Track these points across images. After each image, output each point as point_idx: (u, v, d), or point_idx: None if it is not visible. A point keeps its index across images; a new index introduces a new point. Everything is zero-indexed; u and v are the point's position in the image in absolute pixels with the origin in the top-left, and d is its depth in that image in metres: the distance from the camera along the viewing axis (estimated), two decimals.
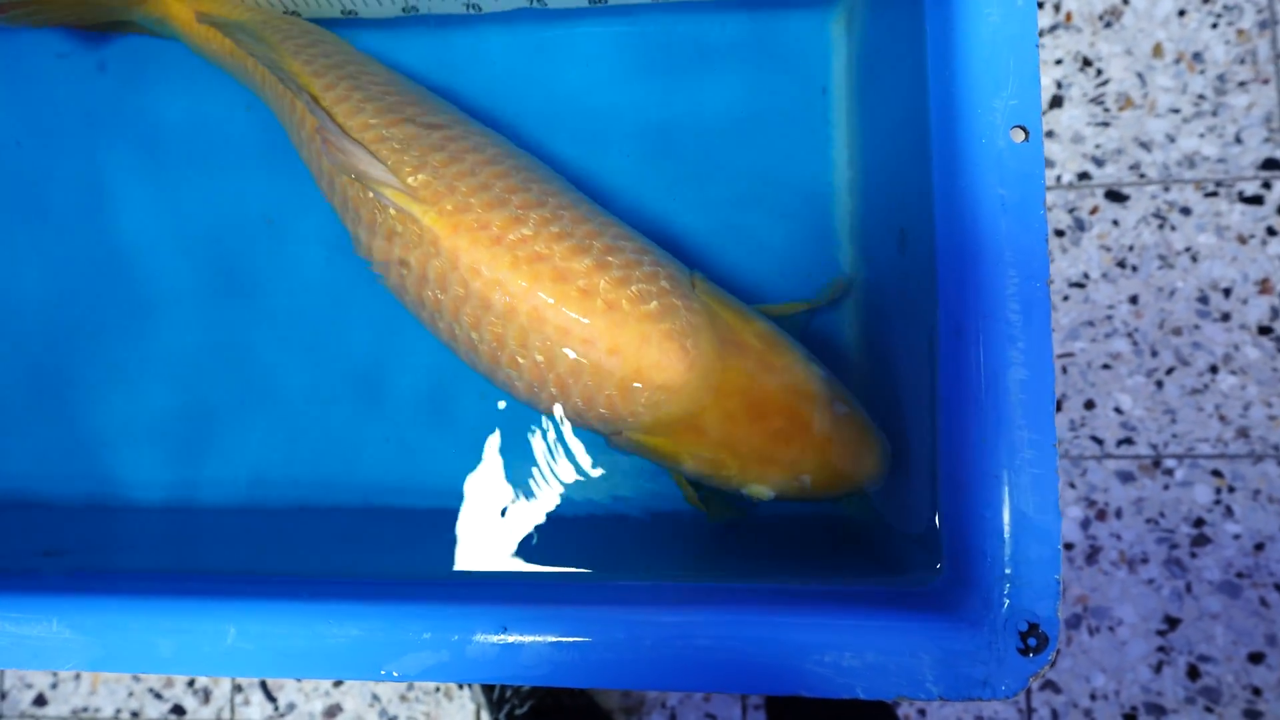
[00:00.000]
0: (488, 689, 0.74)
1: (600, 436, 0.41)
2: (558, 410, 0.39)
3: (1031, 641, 0.29)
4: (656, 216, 0.50)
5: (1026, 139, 0.32)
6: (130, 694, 0.83)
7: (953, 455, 0.32)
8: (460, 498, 0.44)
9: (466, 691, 0.79)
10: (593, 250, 0.38)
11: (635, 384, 0.37)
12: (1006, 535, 0.30)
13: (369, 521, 0.45)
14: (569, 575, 0.38)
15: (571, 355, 0.37)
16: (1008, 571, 0.30)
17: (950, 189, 0.33)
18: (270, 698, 0.81)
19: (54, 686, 0.84)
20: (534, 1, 0.52)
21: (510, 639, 0.32)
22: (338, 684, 0.81)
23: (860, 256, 0.48)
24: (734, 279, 0.50)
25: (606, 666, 0.31)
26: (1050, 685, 0.77)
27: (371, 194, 0.39)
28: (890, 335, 0.43)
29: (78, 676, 0.84)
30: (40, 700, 0.84)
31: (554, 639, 0.31)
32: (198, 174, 0.52)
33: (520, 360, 0.38)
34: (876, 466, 0.38)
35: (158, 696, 0.83)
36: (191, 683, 0.83)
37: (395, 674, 0.32)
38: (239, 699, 0.82)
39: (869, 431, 0.39)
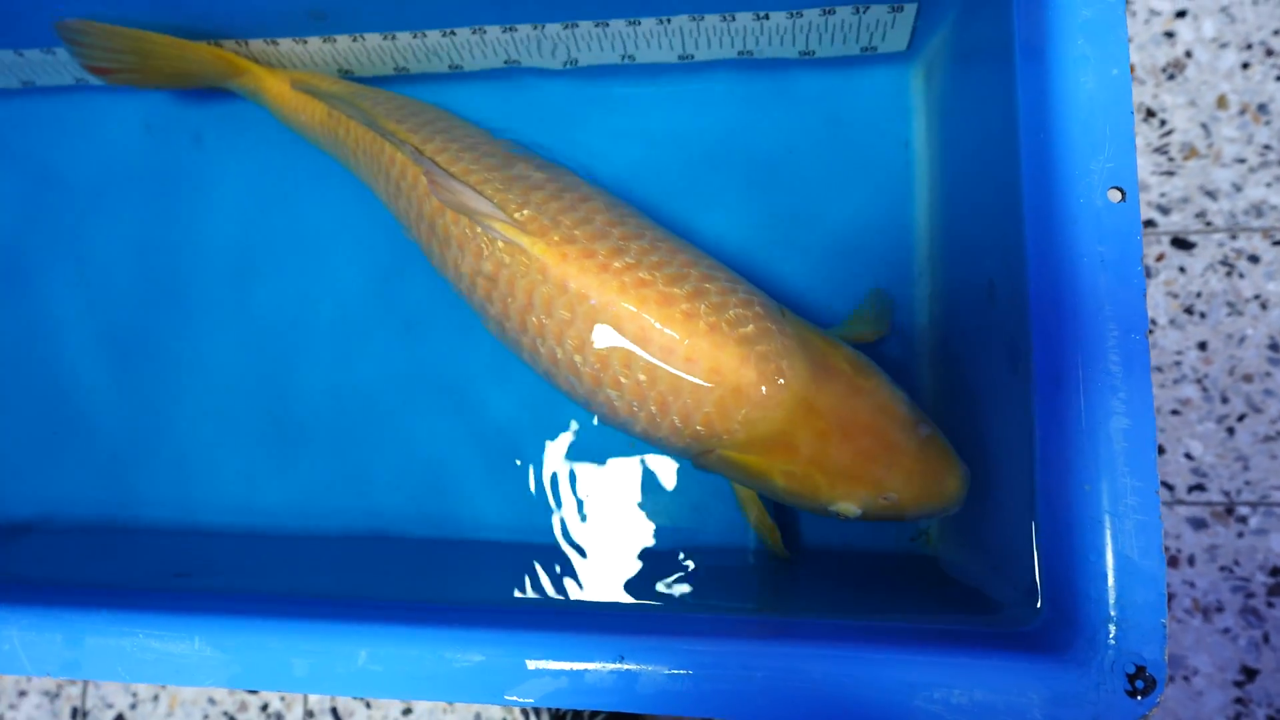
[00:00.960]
0: (557, 714, 0.75)
1: (688, 463, 0.43)
2: (655, 428, 0.41)
3: (1139, 684, 0.30)
4: (740, 264, 0.53)
5: (1123, 199, 0.33)
6: (205, 716, 0.85)
7: (1053, 499, 0.34)
8: (551, 532, 0.46)
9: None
10: (691, 278, 0.41)
11: (733, 402, 0.39)
12: (1111, 579, 0.31)
13: (471, 553, 0.47)
14: (676, 607, 0.40)
15: (674, 374, 0.39)
16: (1113, 614, 0.31)
17: (1046, 244, 0.35)
18: None
19: (133, 707, 0.87)
20: (624, 58, 0.56)
21: (626, 667, 0.33)
22: (407, 712, 0.82)
23: (943, 305, 0.49)
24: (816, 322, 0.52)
25: (718, 697, 0.33)
26: None
27: (479, 230, 0.41)
28: (975, 380, 0.44)
29: (156, 698, 0.87)
30: None
31: (668, 669, 0.33)
32: (267, 220, 0.56)
33: (623, 380, 0.40)
34: (957, 487, 0.40)
35: (231, 719, 0.85)
36: (265, 706, 0.85)
37: (517, 699, 0.33)
38: None
39: (950, 454, 0.40)
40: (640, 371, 0.40)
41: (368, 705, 0.83)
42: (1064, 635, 0.32)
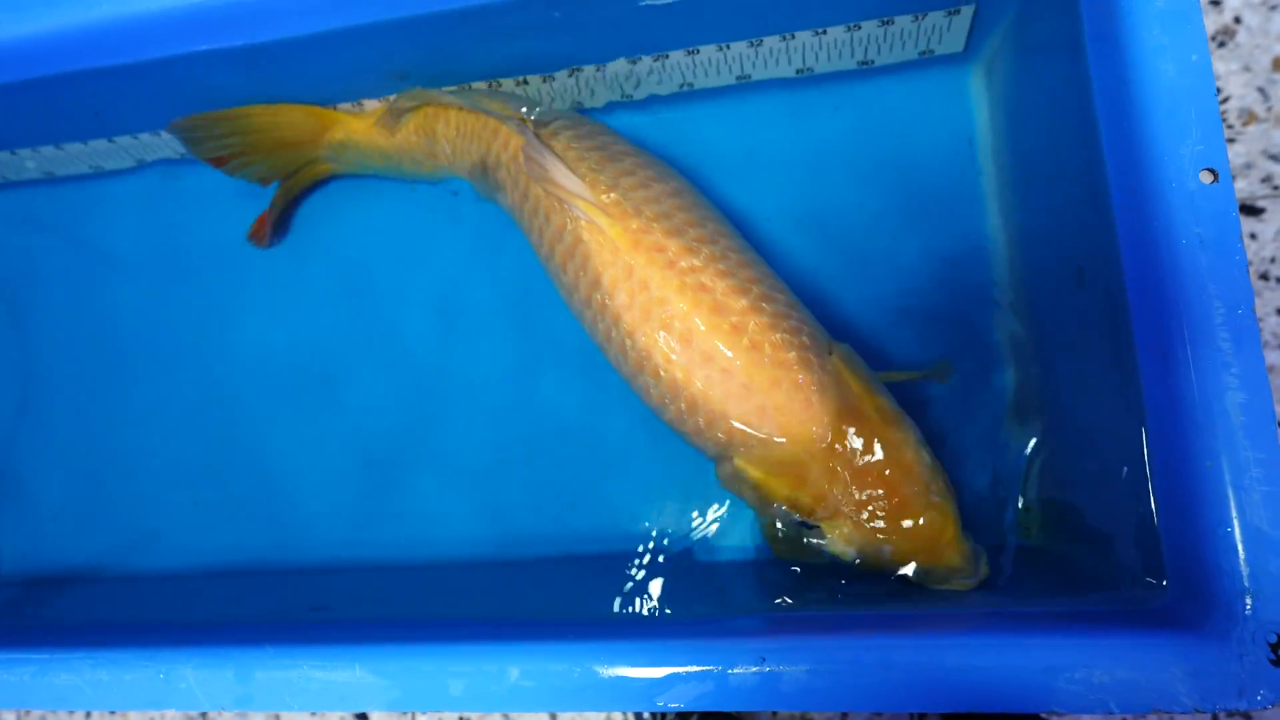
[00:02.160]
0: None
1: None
2: (680, 423, 0.43)
3: None
4: (808, 275, 0.54)
5: (1216, 180, 0.34)
6: None
7: (1172, 478, 0.34)
8: (678, 544, 0.48)
9: None
10: (750, 294, 0.42)
11: (757, 419, 0.41)
12: (1241, 551, 0.32)
13: (604, 568, 0.49)
14: (809, 608, 0.41)
15: (708, 379, 0.41)
16: (1247, 585, 0.32)
17: (1140, 229, 0.36)
18: None
19: None
20: (683, 86, 0.58)
21: (769, 669, 0.35)
22: None
23: (1025, 294, 0.50)
24: (886, 322, 0.53)
25: (860, 692, 0.34)
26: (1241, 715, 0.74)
27: (565, 204, 0.44)
28: (1069, 365, 0.45)
29: None
30: None
31: (809, 667, 0.34)
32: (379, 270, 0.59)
33: (662, 372, 0.42)
34: (957, 560, 0.40)
35: None
36: None
37: (667, 704, 0.35)
38: None
39: (954, 525, 0.41)
40: (679, 369, 0.42)
41: None
42: (1197, 610, 0.33)
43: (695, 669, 0.35)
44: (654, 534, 0.49)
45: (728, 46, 0.53)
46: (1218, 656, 0.31)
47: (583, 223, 0.44)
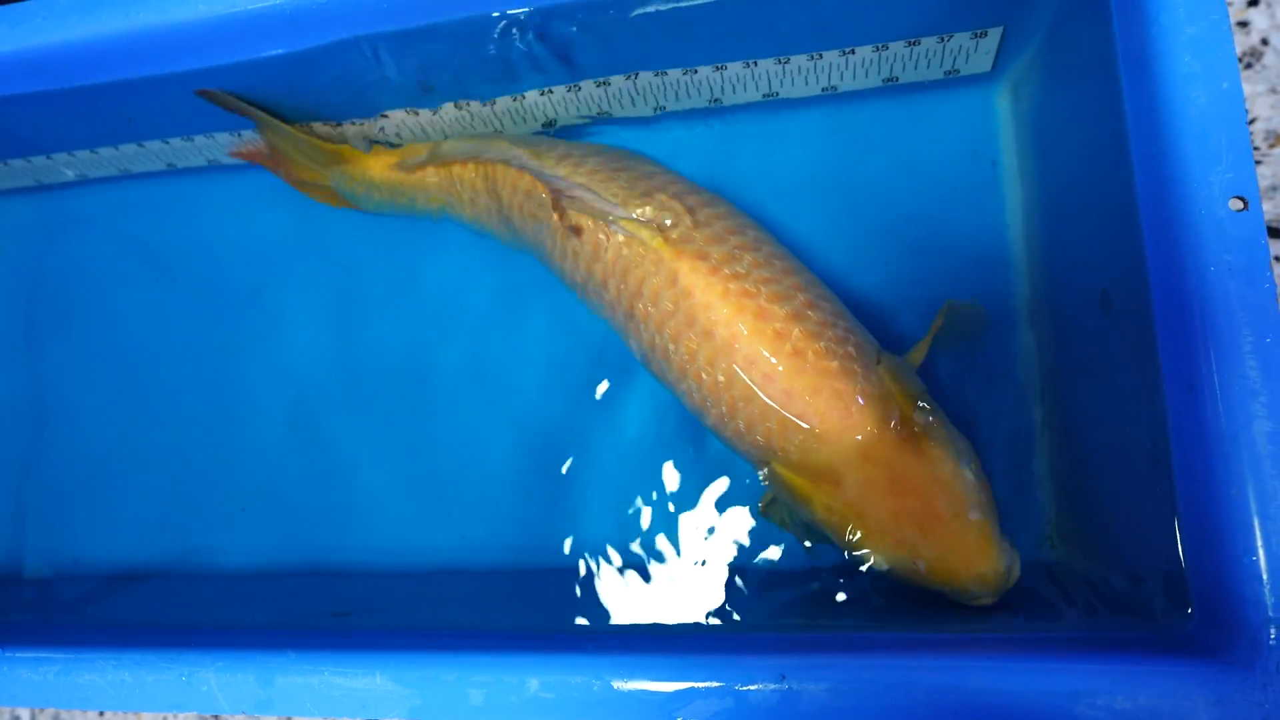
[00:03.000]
0: None
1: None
2: (722, 427, 0.44)
3: None
4: (838, 286, 0.54)
5: (1246, 208, 0.34)
6: None
7: (1196, 506, 0.34)
8: (702, 559, 0.48)
9: None
10: (795, 301, 0.43)
11: (796, 426, 0.41)
12: (1266, 580, 0.32)
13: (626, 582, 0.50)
14: (831, 627, 0.41)
15: (750, 384, 0.42)
16: (1272, 615, 0.32)
17: (1169, 254, 0.36)
18: None
19: None
20: (712, 102, 0.58)
21: (788, 686, 0.35)
22: None
23: (1049, 319, 0.50)
24: (908, 343, 0.53)
25: (882, 712, 0.34)
26: None
27: (602, 222, 0.45)
28: (1093, 391, 0.45)
29: None
30: None
31: (830, 686, 0.34)
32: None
33: (704, 376, 0.43)
34: (992, 579, 0.39)
35: None
36: None
37: (686, 719, 0.35)
38: None
39: (993, 545, 0.40)
40: (721, 373, 0.42)
41: None
42: (1222, 638, 0.32)
43: (714, 685, 0.35)
44: (678, 546, 0.50)
45: (755, 64, 0.54)
46: (1241, 685, 0.31)
47: (621, 238, 0.44)
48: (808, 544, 0.47)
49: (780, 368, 0.41)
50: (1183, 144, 0.35)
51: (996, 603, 0.41)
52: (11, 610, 0.60)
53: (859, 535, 0.41)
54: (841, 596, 0.44)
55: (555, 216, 0.47)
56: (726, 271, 0.43)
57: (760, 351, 0.41)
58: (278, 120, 0.56)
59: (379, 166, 0.57)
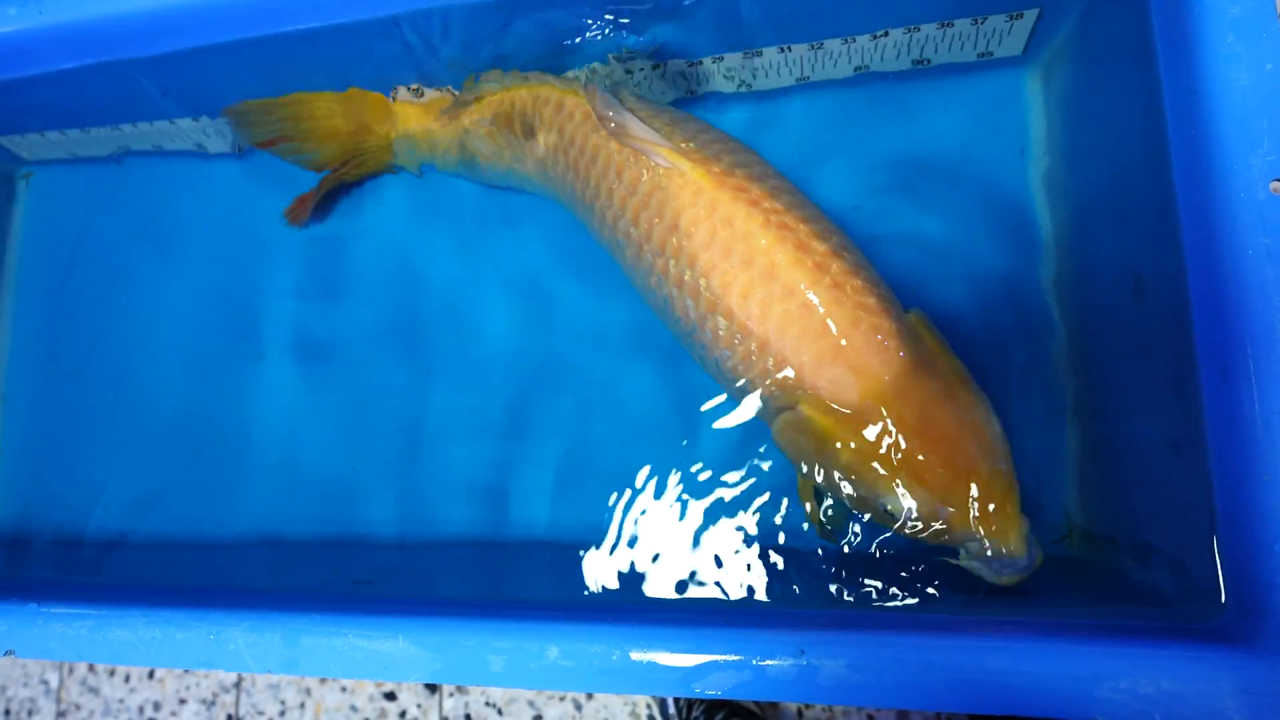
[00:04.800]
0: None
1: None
2: (746, 367, 0.42)
3: None
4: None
5: None
6: None
7: (1230, 491, 0.34)
8: (724, 536, 0.48)
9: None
10: (831, 241, 0.42)
11: (831, 358, 0.40)
12: None
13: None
14: (850, 605, 0.41)
15: (787, 313, 0.41)
16: None
17: (1205, 239, 0.35)
18: None
19: (282, 715, 0.93)
20: (740, 86, 0.58)
21: (806, 661, 0.35)
22: (537, 718, 0.86)
23: (1077, 305, 0.49)
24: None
25: (899, 689, 0.34)
26: None
27: (640, 158, 0.44)
28: (1123, 378, 0.45)
29: (302, 705, 0.92)
30: None
31: (848, 662, 0.34)
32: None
33: (737, 310, 0.42)
34: (1015, 538, 0.37)
35: None
36: (403, 713, 0.90)
37: (703, 690, 0.35)
38: None
39: (1016, 504, 0.38)
40: (756, 304, 0.41)
41: (499, 712, 0.87)
42: (1252, 626, 0.32)
43: (733, 658, 0.35)
44: (699, 522, 0.50)
45: (789, 49, 0.54)
46: (1270, 674, 0.31)
47: (661, 170, 0.43)
48: (829, 528, 0.46)
49: (820, 298, 0.40)
50: (1222, 126, 0.35)
51: (1017, 587, 0.41)
52: (45, 569, 0.62)
53: (884, 480, 0.39)
54: (862, 580, 0.44)
55: (594, 149, 0.46)
56: (768, 205, 0.42)
57: (799, 282, 0.40)
58: (304, 95, 0.56)
59: (421, 113, 0.56)
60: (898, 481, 0.39)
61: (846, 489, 0.41)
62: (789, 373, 0.41)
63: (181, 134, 0.64)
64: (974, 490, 0.38)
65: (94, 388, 0.65)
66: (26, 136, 0.64)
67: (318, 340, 0.61)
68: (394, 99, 0.58)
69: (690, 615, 0.37)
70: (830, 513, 0.46)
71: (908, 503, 0.38)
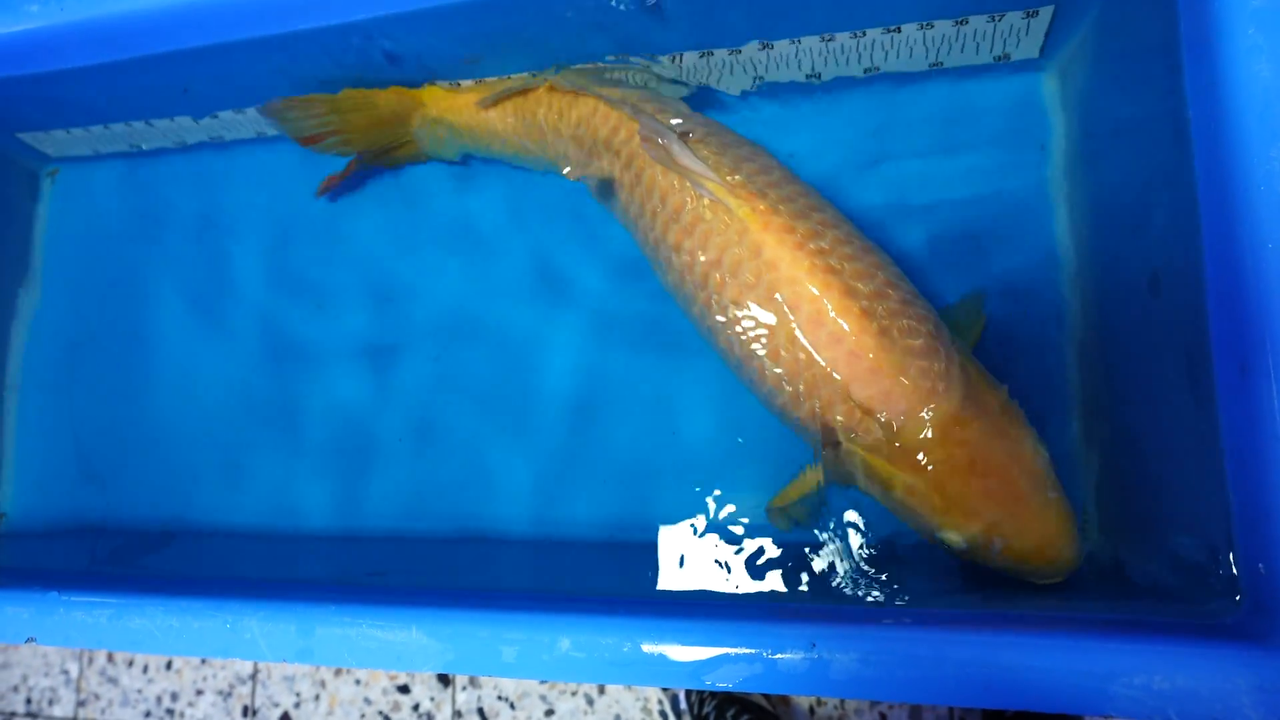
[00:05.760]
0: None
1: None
2: (795, 406, 0.42)
3: None
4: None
5: None
6: (363, 715, 0.91)
7: (1247, 488, 0.34)
8: (735, 530, 0.48)
9: None
10: (877, 279, 0.42)
11: (881, 403, 0.40)
12: None
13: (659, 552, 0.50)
14: (861, 599, 0.41)
15: (834, 360, 0.40)
16: None
17: (1225, 233, 0.35)
18: None
19: (297, 706, 0.94)
20: (755, 82, 0.58)
21: (818, 655, 0.35)
22: (549, 713, 0.86)
23: (1096, 303, 0.49)
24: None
25: (911, 683, 0.34)
26: None
27: (686, 184, 0.43)
28: (1139, 376, 0.44)
29: (317, 697, 0.93)
30: (286, 718, 0.94)
31: (860, 656, 0.34)
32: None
33: (783, 353, 0.42)
34: (1069, 558, 0.39)
35: (387, 719, 0.90)
36: (417, 706, 0.90)
37: (715, 683, 0.36)
38: None
39: (1071, 524, 0.39)
40: (801, 350, 0.41)
41: (512, 706, 0.87)
42: (1268, 623, 0.32)
43: (744, 651, 0.35)
44: (711, 517, 0.50)
45: (799, 41, 0.53)
46: None
47: (706, 202, 0.43)
48: (818, 531, 0.46)
49: (868, 345, 0.40)
50: (1243, 120, 0.34)
51: (1030, 584, 0.41)
52: (62, 558, 0.63)
53: (940, 515, 0.40)
54: (873, 574, 0.44)
55: (640, 169, 0.45)
56: (812, 246, 0.41)
57: (846, 329, 0.40)
58: (350, 92, 0.56)
59: (459, 103, 0.56)
60: (952, 517, 0.39)
61: (902, 516, 0.42)
62: (838, 416, 0.41)
63: (202, 129, 0.64)
64: (1026, 522, 0.39)
65: (111, 381, 0.66)
66: (51, 133, 0.65)
67: (337, 335, 0.61)
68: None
69: (701, 608, 0.37)
70: (803, 512, 0.46)
71: (962, 536, 0.40)
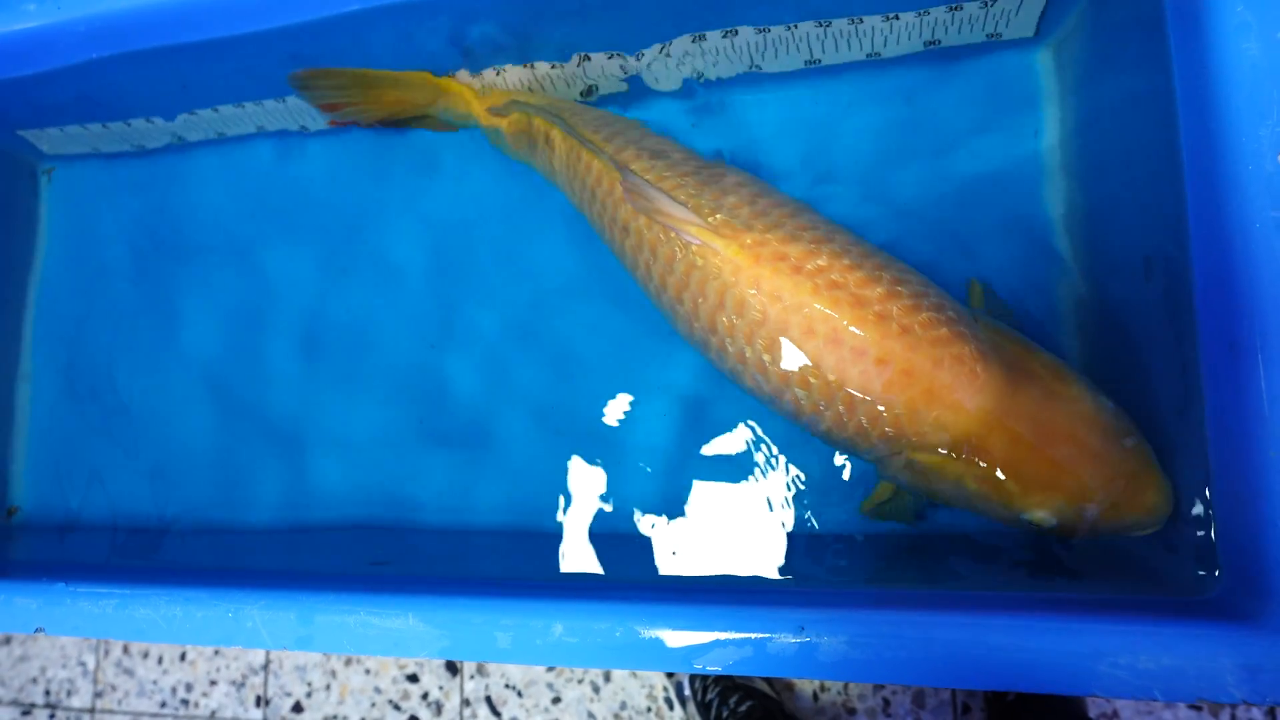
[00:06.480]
0: (704, 711, 0.77)
1: (867, 463, 0.43)
2: (840, 429, 0.41)
3: None
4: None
5: None
6: (373, 704, 0.93)
7: (1230, 469, 0.34)
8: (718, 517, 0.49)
9: (678, 712, 0.82)
10: (883, 280, 0.40)
11: (925, 404, 0.39)
12: None
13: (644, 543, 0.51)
14: (848, 583, 0.42)
15: (864, 374, 0.39)
16: None
17: (1211, 213, 0.35)
18: (495, 712, 0.88)
19: (308, 695, 0.95)
20: (752, 67, 0.58)
21: (808, 638, 0.35)
22: (556, 701, 0.87)
23: (1090, 286, 0.49)
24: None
25: (899, 665, 0.34)
26: None
27: (672, 234, 0.43)
28: (1133, 356, 0.44)
29: (328, 687, 0.95)
30: (298, 708, 0.95)
31: (848, 639, 0.35)
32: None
33: (812, 380, 0.40)
34: (1161, 502, 0.37)
35: (397, 708, 0.92)
36: (425, 695, 0.91)
37: (705, 667, 0.36)
38: (468, 712, 0.89)
39: (1155, 467, 0.38)
40: (830, 372, 0.40)
41: (519, 694, 0.88)
42: (1250, 602, 0.32)
43: (735, 635, 0.36)
44: (700, 508, 0.50)
45: (795, 27, 0.53)
46: (1270, 650, 0.30)
47: (694, 248, 0.42)
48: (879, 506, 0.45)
49: (894, 350, 0.39)
50: (1231, 97, 0.34)
51: (1018, 563, 0.41)
52: (72, 549, 0.64)
53: (1020, 498, 0.38)
54: (864, 556, 0.44)
55: (628, 225, 0.45)
56: (809, 267, 0.40)
57: (867, 339, 0.39)
58: (380, 72, 0.56)
59: (480, 104, 0.57)
60: (1033, 497, 0.38)
61: (983, 510, 0.40)
62: (886, 428, 0.40)
63: (201, 125, 0.65)
64: (1112, 479, 0.37)
65: (118, 375, 0.67)
66: (46, 131, 0.66)
67: (331, 328, 0.62)
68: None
69: (692, 593, 0.38)
70: (896, 512, 0.46)
71: (1050, 512, 0.38)
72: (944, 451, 0.39)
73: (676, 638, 0.36)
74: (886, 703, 0.78)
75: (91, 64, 0.55)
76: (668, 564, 0.47)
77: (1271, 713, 0.72)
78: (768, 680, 0.78)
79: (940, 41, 0.54)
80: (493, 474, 0.56)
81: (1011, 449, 0.38)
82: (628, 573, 0.47)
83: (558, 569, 0.48)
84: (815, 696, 0.80)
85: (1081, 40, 0.49)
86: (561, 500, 0.53)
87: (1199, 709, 0.73)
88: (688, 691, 0.81)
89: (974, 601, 0.35)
